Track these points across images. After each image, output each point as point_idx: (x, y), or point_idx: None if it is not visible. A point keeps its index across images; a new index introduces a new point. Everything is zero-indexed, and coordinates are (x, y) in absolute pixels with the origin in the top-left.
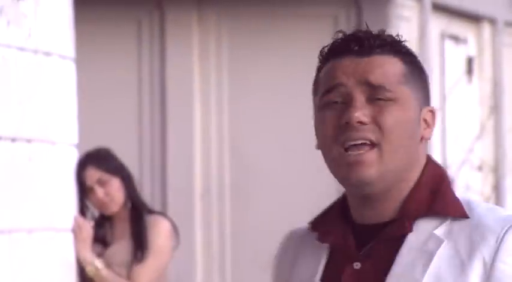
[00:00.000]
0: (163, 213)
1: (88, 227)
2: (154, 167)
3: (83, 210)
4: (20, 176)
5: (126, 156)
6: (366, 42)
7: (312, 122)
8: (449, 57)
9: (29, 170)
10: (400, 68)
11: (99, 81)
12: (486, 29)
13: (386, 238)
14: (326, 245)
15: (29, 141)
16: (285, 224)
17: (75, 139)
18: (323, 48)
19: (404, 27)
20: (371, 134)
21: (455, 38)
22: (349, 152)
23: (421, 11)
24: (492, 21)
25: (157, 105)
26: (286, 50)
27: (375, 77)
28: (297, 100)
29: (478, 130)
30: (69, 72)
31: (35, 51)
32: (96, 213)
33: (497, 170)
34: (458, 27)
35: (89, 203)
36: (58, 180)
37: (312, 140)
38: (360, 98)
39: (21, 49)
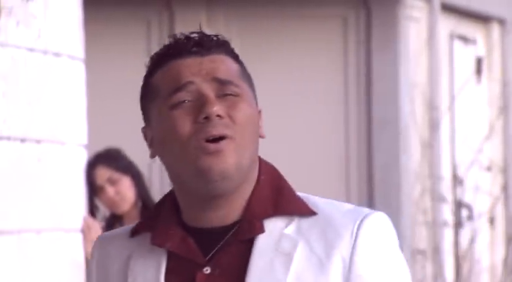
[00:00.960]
0: None
1: (97, 227)
2: (163, 166)
3: (92, 211)
4: (29, 176)
5: (136, 156)
6: (204, 43)
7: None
8: (458, 58)
9: (38, 170)
10: (236, 66)
11: (108, 81)
12: (495, 29)
13: (236, 241)
14: (162, 250)
15: (38, 141)
16: None
17: (84, 139)
18: (154, 53)
19: (413, 28)
20: (227, 129)
21: (464, 39)
22: (208, 144)
23: (430, 11)
24: (501, 22)
25: None
26: (295, 50)
27: (222, 73)
28: (307, 100)
29: (487, 130)
30: (78, 73)
31: (45, 52)
32: (107, 214)
33: (506, 170)
34: (467, 28)
35: (99, 203)
36: (67, 180)
37: (322, 139)
38: (211, 94)
39: (31, 50)
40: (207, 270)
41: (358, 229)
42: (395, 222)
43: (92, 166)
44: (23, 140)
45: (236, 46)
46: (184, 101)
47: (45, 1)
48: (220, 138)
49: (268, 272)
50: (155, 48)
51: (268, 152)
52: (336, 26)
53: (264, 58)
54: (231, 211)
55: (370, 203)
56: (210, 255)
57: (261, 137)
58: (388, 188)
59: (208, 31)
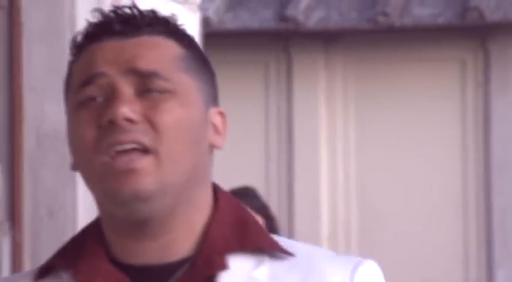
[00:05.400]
0: None
1: None
2: (281, 210)
3: None
4: None
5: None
6: (131, 21)
7: (439, 163)
8: None
9: None
10: (177, 52)
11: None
12: None
13: (191, 279)
14: None
15: None
16: (411, 272)
17: None
18: (76, 36)
19: None
20: (143, 136)
21: None
22: (116, 160)
23: None
24: None
25: (284, 153)
26: (413, 94)
27: (145, 62)
28: (424, 144)
29: None
30: None
31: None
32: None
33: None
34: None
35: None
36: None
37: (440, 182)
38: (127, 90)
39: None
40: None
41: (351, 277)
42: None
43: None
44: None
45: (353, 90)
46: (94, 98)
47: None
48: (132, 150)
49: None
50: (272, 93)
51: (387, 197)
52: (454, 69)
53: (381, 102)
54: (175, 242)
55: (489, 248)
56: None
57: (216, 147)
58: (508, 233)
59: (324, 74)
